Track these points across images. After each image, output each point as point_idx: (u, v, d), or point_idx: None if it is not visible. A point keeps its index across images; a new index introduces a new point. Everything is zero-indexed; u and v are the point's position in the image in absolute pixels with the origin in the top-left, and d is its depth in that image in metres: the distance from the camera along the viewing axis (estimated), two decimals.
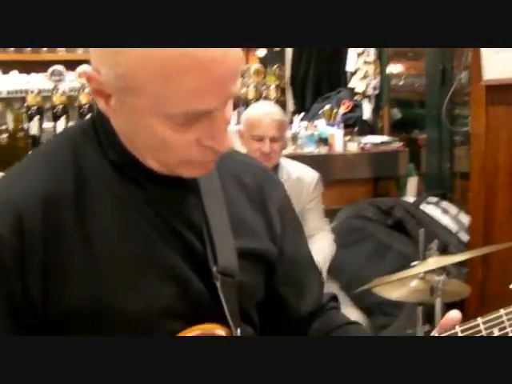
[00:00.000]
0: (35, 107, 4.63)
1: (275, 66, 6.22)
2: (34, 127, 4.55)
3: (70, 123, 4.58)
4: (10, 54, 5.61)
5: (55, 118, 4.66)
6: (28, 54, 5.69)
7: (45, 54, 5.71)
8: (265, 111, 3.58)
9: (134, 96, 1.19)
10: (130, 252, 1.26)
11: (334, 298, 1.58)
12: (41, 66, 5.18)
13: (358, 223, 4.38)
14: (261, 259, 1.42)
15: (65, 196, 1.24)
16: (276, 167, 3.62)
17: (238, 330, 1.32)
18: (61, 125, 4.60)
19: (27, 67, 5.25)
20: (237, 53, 1.22)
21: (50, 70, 4.96)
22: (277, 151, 3.54)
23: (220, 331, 1.30)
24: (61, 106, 4.70)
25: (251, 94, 5.32)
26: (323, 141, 5.12)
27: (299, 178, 3.70)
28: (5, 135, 4.42)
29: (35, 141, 4.54)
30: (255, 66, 5.67)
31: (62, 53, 5.83)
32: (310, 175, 3.79)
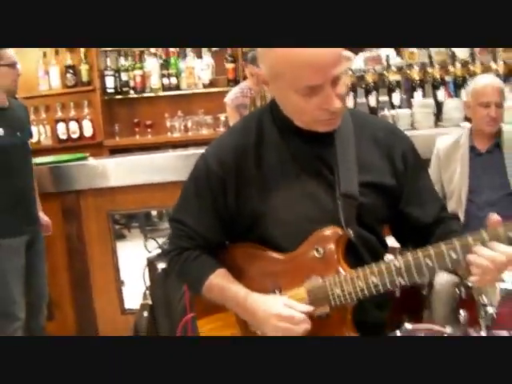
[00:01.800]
0: None
1: None
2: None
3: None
4: None
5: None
6: None
7: None
8: (488, 81, 4.11)
9: (278, 80, 1.92)
10: (287, 182, 2.04)
11: (456, 217, 2.24)
12: None
13: None
14: (380, 188, 2.07)
15: (249, 148, 2.07)
16: (499, 132, 4.13)
17: (351, 231, 1.99)
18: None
19: None
20: (337, 49, 1.87)
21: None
22: (501, 116, 4.07)
23: (336, 229, 1.99)
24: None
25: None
26: None
27: None
28: None
29: None
30: None
31: None
32: None
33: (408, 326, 3.29)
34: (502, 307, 3.18)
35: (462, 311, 3.17)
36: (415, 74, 5.26)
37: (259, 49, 1.99)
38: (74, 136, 6.83)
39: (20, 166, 4.27)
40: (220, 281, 2.07)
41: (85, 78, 6.91)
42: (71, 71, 6.88)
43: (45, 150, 6.28)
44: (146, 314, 3.31)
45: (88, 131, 6.87)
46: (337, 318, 1.99)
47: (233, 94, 5.85)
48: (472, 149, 4.12)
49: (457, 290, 3.33)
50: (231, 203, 2.05)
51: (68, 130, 6.84)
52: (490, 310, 3.09)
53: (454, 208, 4.04)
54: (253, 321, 2.02)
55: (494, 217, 1.84)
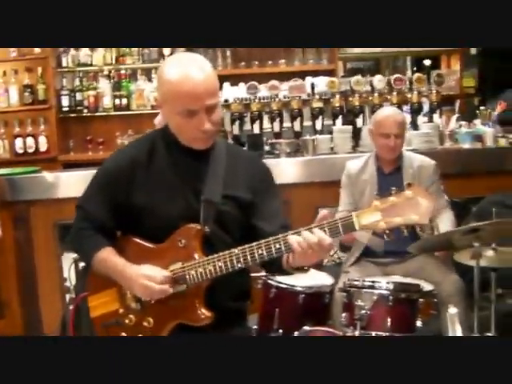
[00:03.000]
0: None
1: None
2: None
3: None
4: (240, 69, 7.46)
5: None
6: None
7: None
8: (389, 113, 4.54)
9: (166, 104, 2.50)
10: (166, 186, 2.58)
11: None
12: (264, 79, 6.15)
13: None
14: (238, 201, 2.61)
15: (142, 157, 2.61)
16: (400, 158, 4.53)
17: (207, 229, 2.54)
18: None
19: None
20: (211, 83, 2.44)
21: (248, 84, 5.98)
22: (400, 145, 4.45)
23: (195, 226, 2.54)
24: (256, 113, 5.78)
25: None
26: (478, 137, 5.70)
27: (420, 166, 4.53)
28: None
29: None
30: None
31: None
32: (429, 163, 4.59)
33: (306, 328, 3.76)
34: (374, 310, 3.66)
35: (344, 314, 3.64)
36: (336, 102, 5.73)
37: (156, 79, 2.57)
38: (30, 150, 7.16)
39: None
40: (106, 255, 2.62)
41: (41, 96, 7.22)
42: (29, 90, 7.18)
43: (2, 163, 6.67)
44: (70, 306, 3.71)
45: (43, 146, 7.19)
46: (192, 294, 2.52)
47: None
48: (379, 169, 4.56)
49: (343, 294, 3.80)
50: (123, 198, 2.61)
51: (25, 144, 7.17)
52: (364, 311, 3.57)
53: None
54: (126, 282, 2.56)
55: (323, 212, 2.36)
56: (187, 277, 2.51)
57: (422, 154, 4.82)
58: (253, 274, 3.99)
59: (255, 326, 4.07)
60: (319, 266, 4.21)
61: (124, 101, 7.38)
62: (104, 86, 7.45)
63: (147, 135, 2.75)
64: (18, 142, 7.17)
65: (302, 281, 4.01)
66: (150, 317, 2.60)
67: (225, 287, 2.55)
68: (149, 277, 2.49)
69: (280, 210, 2.69)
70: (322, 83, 5.91)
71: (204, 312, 2.52)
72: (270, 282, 4.05)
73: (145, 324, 2.61)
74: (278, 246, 2.36)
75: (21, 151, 7.18)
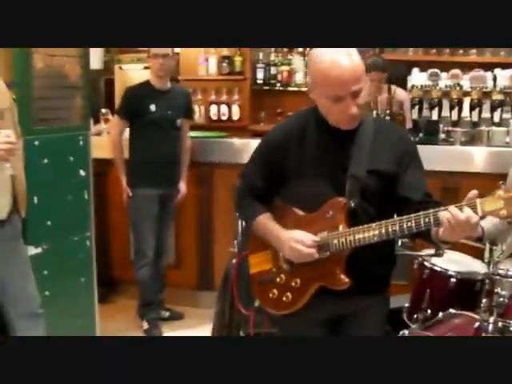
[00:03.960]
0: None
1: None
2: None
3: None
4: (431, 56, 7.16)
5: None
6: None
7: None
8: None
9: (316, 89, 2.69)
10: (316, 161, 2.77)
11: (437, 201, 2.67)
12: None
13: None
14: (384, 175, 2.75)
15: (296, 132, 2.82)
16: None
17: (352, 203, 2.73)
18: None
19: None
20: (357, 70, 2.60)
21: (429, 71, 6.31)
22: None
23: (342, 199, 2.73)
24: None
25: None
26: None
27: None
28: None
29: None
30: None
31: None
32: None
33: (451, 310, 3.89)
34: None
35: (484, 300, 3.72)
36: None
37: (308, 64, 2.79)
38: (224, 118, 7.58)
39: (165, 138, 5.26)
40: (263, 220, 2.90)
41: (238, 68, 7.60)
42: (227, 61, 7.58)
43: (197, 127, 7.14)
44: (233, 260, 4.02)
45: (236, 115, 7.59)
46: (334, 260, 2.74)
47: None
48: None
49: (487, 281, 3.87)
50: (278, 169, 2.85)
51: (219, 111, 7.62)
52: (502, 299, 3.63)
53: None
54: (279, 244, 2.83)
55: (473, 192, 2.46)
56: (330, 245, 2.73)
57: None
58: (410, 253, 4.22)
59: (407, 304, 4.26)
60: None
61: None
62: (297, 62, 7.69)
63: (301, 113, 2.94)
64: (213, 109, 7.59)
65: (456, 266, 4.12)
66: (297, 278, 2.84)
67: (367, 256, 2.73)
68: (299, 240, 2.73)
69: (424, 180, 2.81)
70: (504, 76, 5.90)
71: (343, 278, 2.73)
72: (425, 263, 4.18)
73: (292, 284, 2.86)
74: (427, 219, 2.49)
75: (215, 118, 7.61)
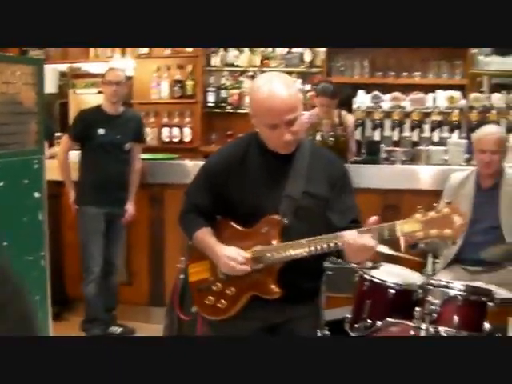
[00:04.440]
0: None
1: None
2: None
3: None
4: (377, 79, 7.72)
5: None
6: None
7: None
8: (487, 131, 4.80)
9: (255, 116, 2.92)
10: (256, 183, 2.97)
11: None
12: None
13: None
14: (317, 197, 2.97)
15: (238, 158, 2.99)
16: (499, 175, 4.75)
17: (286, 221, 2.92)
18: None
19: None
20: (292, 101, 2.81)
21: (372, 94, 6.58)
22: (496, 161, 4.65)
23: (277, 217, 2.93)
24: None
25: None
26: None
27: None
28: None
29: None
30: None
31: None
32: None
33: (388, 319, 4.10)
34: (444, 307, 3.90)
35: (417, 308, 3.92)
36: (454, 117, 5.97)
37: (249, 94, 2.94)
38: (176, 140, 7.78)
39: (113, 160, 5.47)
40: (203, 234, 3.09)
41: (190, 91, 7.80)
42: (179, 85, 7.79)
43: (149, 149, 7.30)
44: (181, 276, 4.17)
45: (187, 137, 7.77)
46: (266, 272, 2.95)
47: (307, 115, 6.33)
48: (477, 184, 4.80)
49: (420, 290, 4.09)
50: (220, 189, 3.04)
51: (171, 134, 7.80)
52: (434, 307, 3.84)
53: None
54: (215, 258, 3.02)
55: (373, 218, 2.73)
56: (264, 258, 2.94)
57: None
58: (349, 266, 4.41)
59: (349, 315, 4.45)
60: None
61: None
62: (248, 85, 7.89)
63: (243, 138, 3.16)
64: (165, 132, 7.77)
65: (394, 278, 4.32)
66: (232, 286, 3.04)
67: (297, 269, 2.94)
68: (231, 258, 2.94)
69: (353, 207, 3.04)
70: (444, 97, 6.16)
71: (274, 288, 2.94)
72: (365, 276, 4.38)
73: (227, 292, 3.05)
74: (333, 243, 2.79)
75: (167, 140, 7.78)
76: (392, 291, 4.24)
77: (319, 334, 3.58)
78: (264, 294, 2.97)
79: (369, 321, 4.22)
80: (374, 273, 4.37)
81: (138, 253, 6.07)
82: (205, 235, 3.08)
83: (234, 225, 3.07)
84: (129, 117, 5.70)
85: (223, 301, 3.07)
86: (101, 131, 5.42)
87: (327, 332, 4.24)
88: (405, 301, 4.13)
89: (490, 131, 4.80)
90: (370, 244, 2.68)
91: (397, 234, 2.67)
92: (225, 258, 2.96)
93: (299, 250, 2.85)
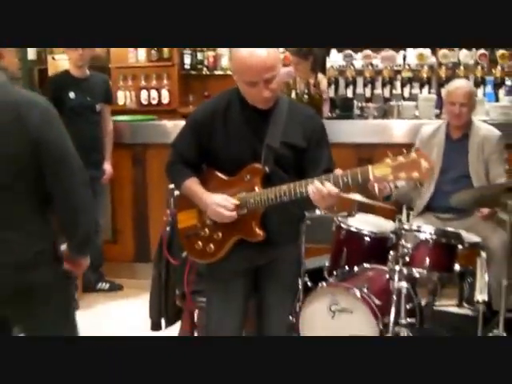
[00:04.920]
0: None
1: None
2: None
3: None
4: None
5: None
6: None
7: None
8: (457, 85, 4.99)
9: (236, 74, 3.06)
10: (238, 134, 3.15)
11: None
12: None
13: None
14: (294, 148, 3.16)
15: (220, 111, 3.18)
16: (468, 126, 4.95)
17: (267, 169, 3.12)
18: None
19: None
20: (270, 60, 2.94)
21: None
22: (465, 113, 4.85)
23: (258, 165, 3.13)
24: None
25: None
26: None
27: (484, 136, 4.91)
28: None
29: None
30: None
31: None
32: (494, 134, 4.95)
33: (365, 265, 4.33)
34: (416, 250, 4.18)
35: (391, 252, 4.16)
36: (424, 73, 6.17)
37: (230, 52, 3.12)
38: (154, 102, 7.86)
39: (86, 123, 5.68)
40: (191, 183, 3.27)
41: (166, 54, 7.82)
42: (155, 48, 7.88)
43: (128, 111, 7.45)
44: (168, 228, 4.37)
45: (165, 99, 7.81)
46: (250, 216, 3.16)
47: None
48: (447, 135, 5.02)
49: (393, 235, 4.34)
50: (205, 140, 3.22)
51: (149, 96, 7.90)
52: (406, 250, 4.09)
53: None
54: (203, 206, 3.21)
55: (338, 171, 2.98)
56: (248, 203, 3.14)
57: (495, 125, 5.19)
58: (326, 214, 4.63)
59: (327, 264, 4.67)
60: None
61: None
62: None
63: (226, 92, 3.31)
64: (144, 94, 7.85)
65: (369, 226, 4.55)
66: (219, 231, 3.24)
67: (278, 214, 3.16)
68: (221, 205, 3.14)
69: (327, 158, 3.24)
70: (413, 55, 6.34)
71: (258, 231, 3.16)
72: (341, 225, 4.60)
73: (215, 236, 3.26)
74: (301, 190, 3.00)
75: (145, 102, 7.88)
76: (367, 239, 4.48)
77: (300, 281, 3.78)
78: (249, 237, 3.19)
79: (346, 267, 4.45)
80: (350, 222, 4.60)
81: (122, 212, 6.25)
82: (192, 184, 3.27)
83: (219, 174, 3.25)
84: (96, 79, 5.88)
85: (211, 245, 3.27)
86: (71, 95, 5.61)
87: (307, 279, 4.49)
88: (380, 247, 4.38)
89: (460, 85, 5.01)
90: (333, 191, 2.90)
91: (369, 178, 2.87)
92: (214, 206, 3.15)
93: (278, 195, 3.05)
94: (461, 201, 4.36)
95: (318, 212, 4.65)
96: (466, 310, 4.84)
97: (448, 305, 4.91)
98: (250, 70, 2.98)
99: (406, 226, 4.23)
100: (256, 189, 3.14)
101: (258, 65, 2.95)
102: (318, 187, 2.91)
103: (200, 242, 3.31)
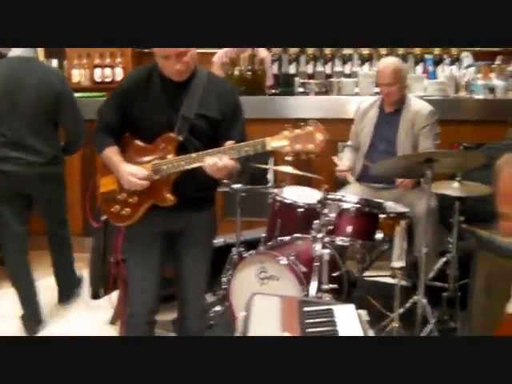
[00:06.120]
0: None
1: None
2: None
3: None
4: None
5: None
6: None
7: None
8: (384, 64, 5.10)
9: (153, 49, 3.16)
10: (156, 104, 3.29)
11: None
12: None
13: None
14: (210, 119, 3.30)
15: (143, 80, 3.31)
16: (403, 100, 5.08)
17: (181, 138, 3.26)
18: None
19: None
20: None
21: None
22: (394, 92, 4.99)
23: (172, 134, 3.26)
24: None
25: None
26: (491, 89, 6.22)
27: (417, 111, 5.04)
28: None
29: None
30: None
31: None
32: (425, 109, 5.06)
33: (297, 235, 4.46)
34: (339, 219, 4.33)
35: (316, 220, 4.25)
36: (365, 50, 6.29)
37: None
38: (108, 80, 7.94)
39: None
40: (109, 152, 3.40)
41: None
42: None
43: (84, 89, 7.50)
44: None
45: (119, 76, 7.84)
46: (162, 182, 3.31)
47: (219, 55, 6.70)
48: (381, 109, 5.17)
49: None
50: (127, 109, 3.35)
51: (103, 74, 7.95)
52: (329, 219, 4.23)
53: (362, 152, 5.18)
54: (119, 175, 3.34)
55: (229, 142, 3.15)
56: (161, 170, 3.28)
57: (432, 101, 5.37)
58: (257, 187, 4.75)
59: (264, 234, 4.80)
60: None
61: None
62: None
63: (148, 65, 3.44)
64: (98, 72, 7.90)
65: (301, 198, 4.68)
66: (135, 196, 3.39)
67: (191, 181, 3.29)
68: (133, 174, 3.29)
69: (239, 131, 3.36)
70: None
71: (168, 196, 3.31)
72: (276, 197, 4.73)
73: (131, 200, 3.40)
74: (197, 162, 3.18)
75: (99, 80, 7.93)
76: (299, 209, 4.60)
77: (214, 241, 3.90)
78: (160, 202, 3.34)
79: (280, 238, 4.58)
80: (284, 194, 4.72)
81: (72, 188, 6.28)
82: (111, 153, 3.39)
83: (138, 141, 3.39)
84: None
85: (127, 209, 3.42)
86: None
87: (242, 249, 4.62)
88: (311, 217, 4.47)
89: (384, 65, 5.13)
90: (229, 163, 3.11)
91: (266, 148, 3.04)
92: (126, 175, 3.29)
93: (187, 162, 3.20)
94: (381, 170, 4.48)
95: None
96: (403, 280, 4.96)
97: (384, 275, 5.03)
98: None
99: (330, 196, 4.36)
100: (169, 157, 3.27)
101: None
102: (213, 161, 3.10)
103: (117, 206, 3.45)
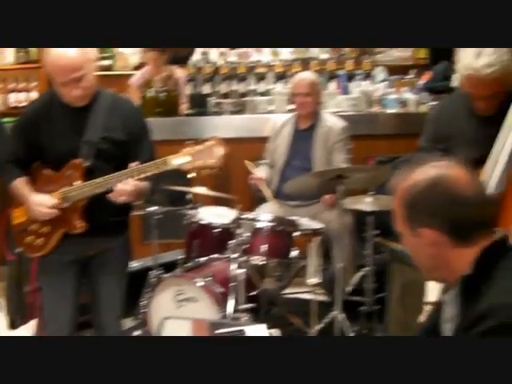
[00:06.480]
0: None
1: None
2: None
3: None
4: None
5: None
6: None
7: None
8: (301, 76, 5.22)
9: (49, 74, 3.15)
10: (60, 131, 3.26)
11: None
12: None
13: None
14: (115, 142, 3.26)
15: (43, 110, 3.30)
16: (316, 116, 5.14)
17: (87, 163, 3.22)
18: None
19: None
20: (74, 61, 3.05)
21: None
22: (309, 102, 5.05)
23: (78, 161, 3.22)
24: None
25: None
26: (403, 103, 6.33)
27: (330, 126, 5.11)
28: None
29: None
30: None
31: None
32: (338, 125, 5.15)
33: (213, 255, 4.42)
34: (253, 238, 4.30)
35: (230, 241, 4.27)
36: (278, 68, 6.34)
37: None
38: (23, 104, 7.77)
39: None
40: (19, 183, 3.36)
41: (34, 56, 7.79)
42: (24, 50, 7.75)
43: None
44: None
45: None
46: (72, 209, 3.27)
47: (136, 77, 6.65)
48: (296, 125, 5.20)
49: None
50: (31, 139, 3.33)
51: (18, 98, 7.77)
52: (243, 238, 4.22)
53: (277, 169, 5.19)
54: (28, 206, 3.29)
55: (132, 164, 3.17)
56: (69, 197, 3.25)
57: (346, 116, 5.47)
58: (173, 208, 4.71)
59: (181, 256, 4.75)
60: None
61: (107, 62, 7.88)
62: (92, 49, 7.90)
63: (46, 93, 3.46)
64: (12, 97, 7.76)
65: (217, 218, 4.65)
66: (46, 225, 3.34)
67: (102, 206, 3.24)
68: (41, 203, 3.25)
69: (147, 150, 3.35)
70: (266, 51, 6.50)
71: (78, 222, 3.27)
72: (191, 219, 4.69)
73: (43, 230, 3.36)
74: (109, 186, 3.16)
75: (14, 105, 7.78)
76: (214, 230, 4.57)
77: (133, 264, 3.86)
78: (71, 230, 3.30)
79: (197, 259, 4.55)
80: (200, 215, 4.69)
81: None
82: (20, 184, 3.35)
83: (46, 170, 3.35)
84: None
85: (40, 239, 3.38)
86: None
87: (161, 272, 4.57)
88: (227, 237, 4.45)
89: (302, 77, 5.23)
90: (137, 185, 3.15)
91: (170, 167, 3.06)
92: (33, 205, 3.26)
93: (93, 188, 3.18)
94: (293, 187, 4.50)
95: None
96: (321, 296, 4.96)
97: (304, 292, 5.03)
98: (59, 71, 3.08)
99: (243, 216, 4.35)
100: (76, 183, 3.23)
101: (63, 66, 3.06)
102: (119, 188, 3.10)
103: (30, 237, 3.40)
